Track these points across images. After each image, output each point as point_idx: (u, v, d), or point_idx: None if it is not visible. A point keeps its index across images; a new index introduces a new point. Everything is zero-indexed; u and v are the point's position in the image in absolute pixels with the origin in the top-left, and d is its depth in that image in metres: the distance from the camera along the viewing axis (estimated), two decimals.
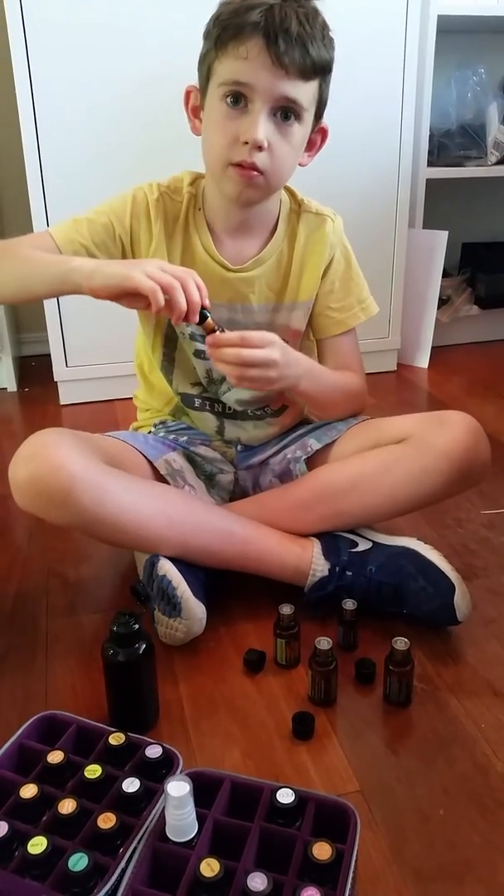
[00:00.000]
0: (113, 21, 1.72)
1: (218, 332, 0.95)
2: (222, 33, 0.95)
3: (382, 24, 1.92)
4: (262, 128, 0.95)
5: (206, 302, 0.93)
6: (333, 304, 1.18)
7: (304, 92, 0.97)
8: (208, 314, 0.94)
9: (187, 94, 1.05)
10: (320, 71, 0.98)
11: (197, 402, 1.21)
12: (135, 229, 1.10)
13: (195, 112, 1.05)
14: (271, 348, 0.98)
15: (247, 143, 0.96)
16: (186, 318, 0.91)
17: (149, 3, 1.71)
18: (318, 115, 1.04)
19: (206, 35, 0.99)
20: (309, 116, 1.01)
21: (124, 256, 1.10)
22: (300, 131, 1.00)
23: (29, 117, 1.77)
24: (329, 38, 0.98)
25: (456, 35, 2.18)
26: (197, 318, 0.92)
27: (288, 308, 1.16)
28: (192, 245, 1.11)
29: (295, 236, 1.14)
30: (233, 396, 1.19)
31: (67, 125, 1.79)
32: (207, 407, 1.21)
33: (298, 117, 0.98)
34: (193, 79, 1.04)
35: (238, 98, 0.96)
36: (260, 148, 0.96)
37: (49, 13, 1.70)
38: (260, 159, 0.97)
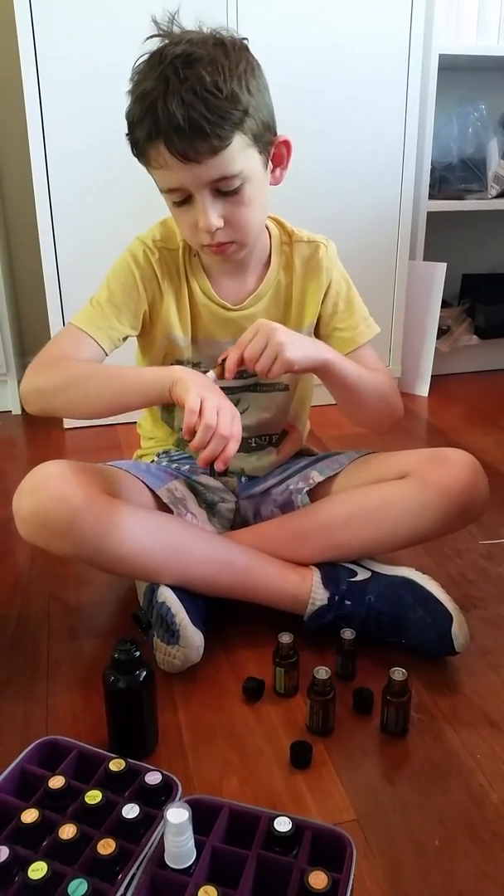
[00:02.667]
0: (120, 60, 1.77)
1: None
2: (133, 148, 0.98)
3: (386, 62, 1.98)
4: (211, 214, 0.97)
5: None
6: (340, 324, 1.19)
7: (228, 162, 0.94)
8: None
9: None
10: (233, 129, 0.93)
11: None
12: (149, 294, 1.12)
13: None
14: (261, 330, 1.00)
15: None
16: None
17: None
18: (266, 140, 1.00)
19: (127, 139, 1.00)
20: (252, 162, 0.98)
21: (145, 321, 1.13)
22: (249, 185, 0.99)
23: (38, 144, 1.82)
24: (231, 84, 0.91)
25: (457, 72, 2.23)
26: (221, 468, 0.94)
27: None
28: (193, 291, 1.13)
29: (291, 266, 1.17)
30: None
31: (75, 153, 1.84)
32: None
33: (241, 178, 0.97)
34: None
35: (181, 199, 0.99)
36: (218, 228, 0.99)
37: (60, 50, 1.76)
38: (224, 235, 1.00)
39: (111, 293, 1.10)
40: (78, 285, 1.93)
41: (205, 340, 1.15)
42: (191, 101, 0.88)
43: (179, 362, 1.16)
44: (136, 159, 0.99)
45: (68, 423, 2.06)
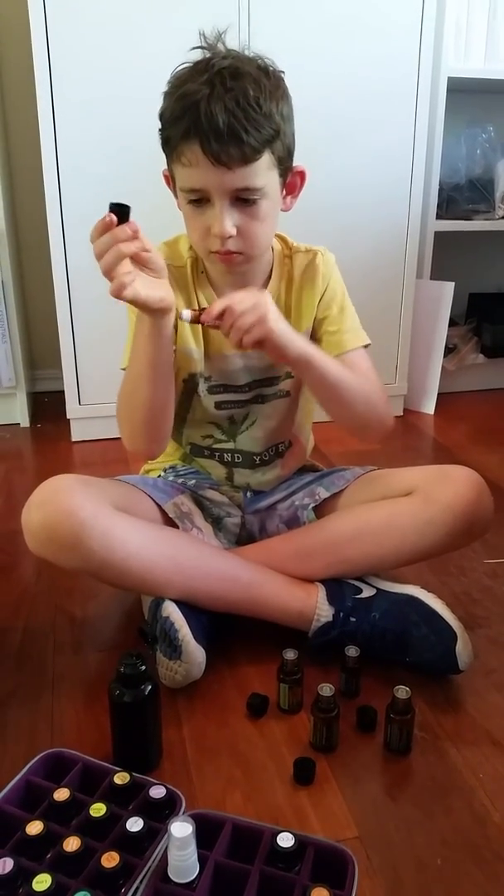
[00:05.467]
0: (134, 78, 1.81)
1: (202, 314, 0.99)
2: (165, 145, 1.00)
3: (396, 84, 2.00)
4: (227, 220, 0.99)
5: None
6: (330, 326, 1.19)
7: (254, 175, 0.97)
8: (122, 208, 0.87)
9: (165, 177, 1.08)
10: (265, 145, 0.96)
11: (206, 451, 1.25)
12: None
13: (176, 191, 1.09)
14: (255, 292, 0.99)
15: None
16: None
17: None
18: (286, 166, 1.04)
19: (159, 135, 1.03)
20: (272, 182, 1.01)
21: None
22: (266, 202, 1.02)
23: (51, 158, 1.85)
24: (270, 103, 0.96)
25: (466, 94, 2.26)
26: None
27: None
28: (202, 304, 1.15)
29: (291, 277, 1.18)
30: (248, 437, 1.22)
31: (87, 167, 1.87)
32: (216, 457, 1.25)
33: (261, 194, 1.00)
34: None
35: (199, 199, 1.00)
36: (231, 236, 1.01)
37: (75, 67, 1.79)
38: (234, 244, 1.02)
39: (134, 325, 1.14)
40: (88, 299, 1.95)
41: (216, 355, 1.16)
42: (233, 109, 0.92)
43: (193, 376, 1.17)
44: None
45: (76, 436, 2.08)
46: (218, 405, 1.19)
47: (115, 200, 0.86)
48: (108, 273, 0.87)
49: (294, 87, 1.95)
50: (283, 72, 1.02)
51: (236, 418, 1.21)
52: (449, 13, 2.05)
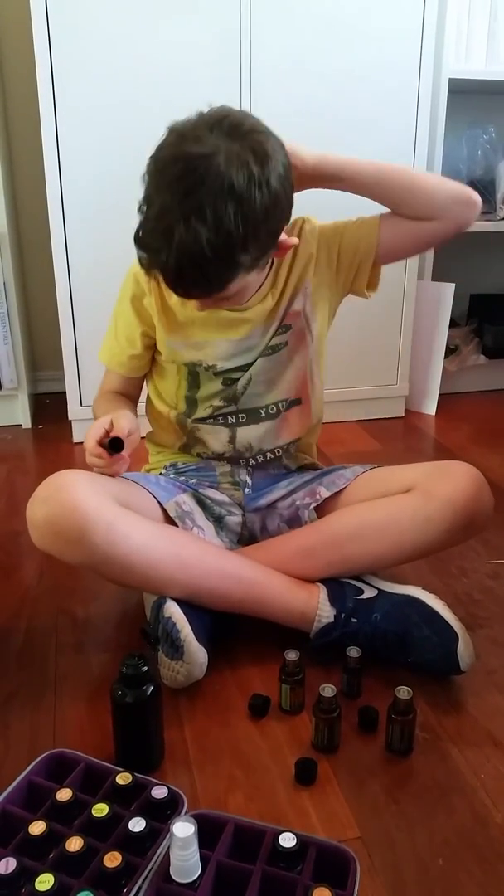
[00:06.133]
0: (136, 84, 1.81)
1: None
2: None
3: (397, 85, 2.00)
4: (203, 306, 1.05)
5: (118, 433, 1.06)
6: (353, 225, 1.19)
7: (228, 291, 0.98)
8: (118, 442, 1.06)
9: None
10: (230, 281, 0.95)
11: (209, 420, 1.24)
12: (143, 316, 1.20)
13: None
14: None
15: None
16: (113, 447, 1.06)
17: (167, 80, 1.81)
18: (268, 257, 1.01)
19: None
20: (254, 276, 1.01)
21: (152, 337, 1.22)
22: (248, 290, 1.06)
23: (53, 162, 1.85)
24: (231, 244, 0.90)
25: (467, 96, 2.26)
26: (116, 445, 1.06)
27: (294, 300, 1.18)
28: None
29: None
30: (250, 395, 1.21)
31: (89, 170, 1.87)
32: (220, 421, 1.23)
33: (239, 290, 1.01)
34: None
35: None
36: None
37: (77, 71, 1.79)
38: (220, 307, 1.08)
39: (118, 327, 1.23)
40: (90, 300, 1.96)
41: (224, 341, 1.17)
42: (187, 265, 0.90)
43: (194, 365, 1.19)
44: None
45: (77, 437, 2.08)
46: (226, 381, 1.20)
47: (114, 435, 1.05)
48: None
49: (295, 87, 1.97)
50: (280, 143, 0.96)
51: (236, 385, 1.21)
52: (450, 14, 2.05)
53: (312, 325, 1.21)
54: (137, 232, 0.95)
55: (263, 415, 1.23)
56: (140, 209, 0.94)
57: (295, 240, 1.06)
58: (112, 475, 1.09)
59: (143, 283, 1.16)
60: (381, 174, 1.13)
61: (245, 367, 1.19)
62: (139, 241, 0.95)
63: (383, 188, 1.13)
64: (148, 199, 0.93)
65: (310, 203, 1.10)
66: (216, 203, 0.87)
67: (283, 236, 1.01)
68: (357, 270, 1.19)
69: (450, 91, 2.11)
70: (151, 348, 1.23)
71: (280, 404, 1.23)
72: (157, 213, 0.90)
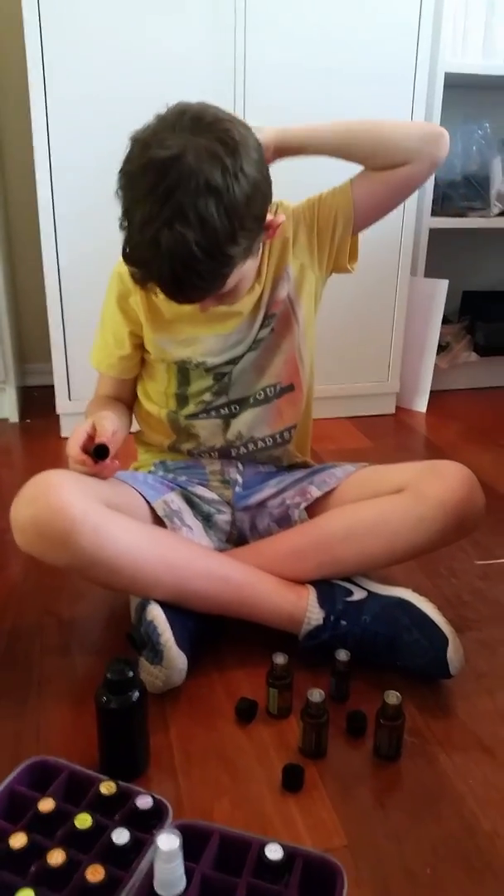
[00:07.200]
0: (127, 78, 1.78)
1: None
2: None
3: (393, 80, 1.98)
4: (205, 305, 1.01)
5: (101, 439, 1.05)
6: (327, 194, 1.16)
7: (224, 287, 0.96)
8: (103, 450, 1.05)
9: None
10: (226, 277, 0.93)
11: (202, 415, 1.22)
12: (130, 316, 1.18)
13: None
14: None
15: None
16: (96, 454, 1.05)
17: (160, 78, 1.78)
18: (259, 243, 0.99)
19: None
20: (247, 266, 0.99)
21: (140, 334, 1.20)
22: (244, 281, 1.02)
23: (44, 156, 1.83)
24: (219, 240, 0.88)
25: (463, 90, 2.24)
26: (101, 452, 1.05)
27: (277, 287, 1.16)
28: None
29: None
30: (239, 382, 1.19)
31: (80, 165, 1.84)
32: (213, 414, 1.22)
33: (236, 282, 0.99)
34: None
35: None
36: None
37: (68, 66, 1.76)
38: (222, 304, 1.05)
39: (104, 330, 1.22)
40: (79, 293, 1.93)
41: (212, 336, 1.16)
42: (181, 271, 0.88)
43: (183, 362, 1.18)
44: None
45: (65, 431, 2.06)
46: (217, 376, 1.18)
47: (99, 442, 1.04)
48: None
49: (290, 82, 1.95)
50: (245, 126, 0.93)
51: (226, 377, 1.19)
52: (447, 9, 2.03)
53: (298, 311, 1.19)
54: (124, 248, 0.93)
55: (253, 401, 1.21)
56: (122, 226, 0.92)
57: (282, 217, 1.03)
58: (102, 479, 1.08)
59: (128, 281, 1.14)
60: (347, 136, 1.12)
61: (235, 361, 1.17)
62: (128, 257, 0.93)
63: (351, 149, 1.12)
64: (127, 214, 0.90)
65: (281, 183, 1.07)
66: (196, 203, 0.85)
67: (269, 216, 0.98)
68: (339, 245, 1.17)
69: (445, 85, 2.09)
70: (140, 348, 1.21)
71: (269, 389, 1.21)
72: (140, 225, 0.88)
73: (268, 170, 0.96)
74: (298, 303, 1.18)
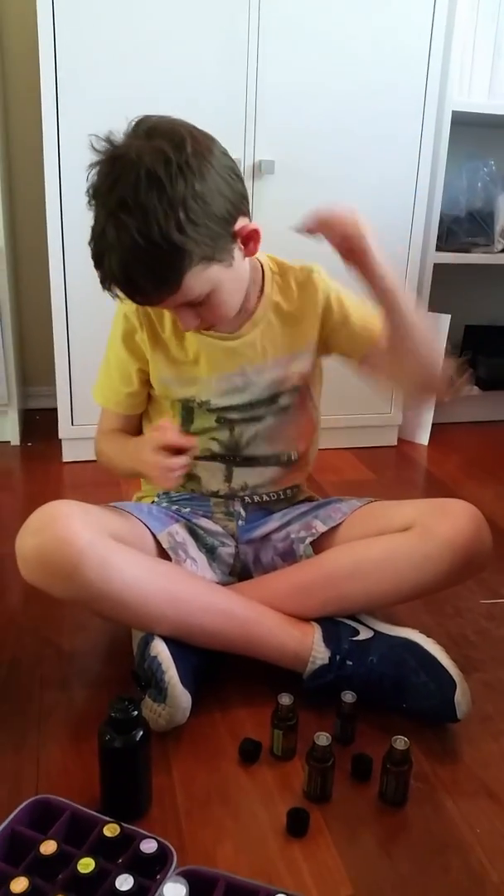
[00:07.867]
0: (139, 87, 1.80)
1: None
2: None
3: (401, 116, 2.01)
4: (185, 320, 1.01)
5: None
6: (358, 320, 1.16)
7: (186, 292, 0.94)
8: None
9: None
10: (181, 274, 0.91)
11: (207, 454, 1.21)
12: (137, 353, 1.17)
13: None
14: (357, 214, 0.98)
15: None
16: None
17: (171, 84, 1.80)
18: (224, 244, 0.95)
19: None
20: (215, 275, 0.95)
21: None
22: (217, 291, 0.98)
23: (54, 178, 1.84)
24: (164, 229, 0.86)
25: (469, 128, 2.27)
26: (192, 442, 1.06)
27: (297, 356, 1.17)
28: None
29: (288, 288, 1.15)
30: (250, 450, 1.19)
31: None
32: (218, 459, 1.21)
33: (207, 292, 0.97)
34: None
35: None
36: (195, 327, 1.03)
37: (78, 77, 1.78)
38: (204, 324, 1.04)
39: (108, 367, 1.21)
40: (86, 318, 1.93)
41: (216, 375, 1.15)
42: (129, 262, 0.88)
43: (189, 399, 1.17)
44: None
45: (67, 456, 2.05)
46: (220, 420, 1.18)
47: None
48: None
49: (300, 115, 1.96)
50: (209, 136, 0.94)
51: (236, 434, 1.19)
52: (455, 49, 2.06)
53: (313, 391, 1.22)
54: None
55: (262, 461, 1.22)
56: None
57: (255, 225, 1.00)
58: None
59: (134, 319, 1.14)
60: (412, 319, 1.08)
61: (241, 408, 1.16)
62: (93, 261, 0.93)
63: (407, 330, 1.08)
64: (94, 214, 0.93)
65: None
66: (136, 191, 0.86)
67: (240, 223, 0.97)
68: (331, 353, 1.21)
69: (452, 123, 2.11)
70: (147, 384, 1.20)
71: (280, 456, 1.22)
72: (93, 223, 0.91)
73: (240, 182, 0.97)
74: (314, 383, 1.22)
